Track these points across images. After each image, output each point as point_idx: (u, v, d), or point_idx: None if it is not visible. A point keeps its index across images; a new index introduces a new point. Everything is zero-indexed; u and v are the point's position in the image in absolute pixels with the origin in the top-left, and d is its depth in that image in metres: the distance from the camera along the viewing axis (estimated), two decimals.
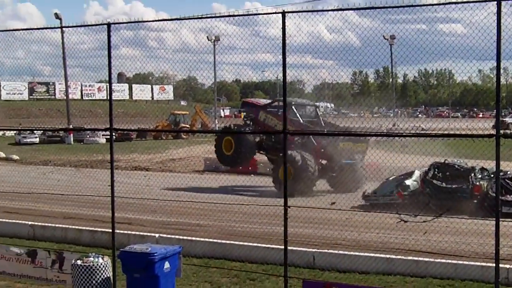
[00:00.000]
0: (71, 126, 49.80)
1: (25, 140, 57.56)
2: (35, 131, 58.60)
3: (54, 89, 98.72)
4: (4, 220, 19.01)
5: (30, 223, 18.38)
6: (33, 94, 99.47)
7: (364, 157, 26.79)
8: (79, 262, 11.94)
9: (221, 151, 28.79)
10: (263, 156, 29.92)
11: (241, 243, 15.42)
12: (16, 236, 17.63)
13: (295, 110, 27.92)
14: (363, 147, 26.89)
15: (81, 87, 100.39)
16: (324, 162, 27.65)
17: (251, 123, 29.27)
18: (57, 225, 18.25)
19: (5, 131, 50.58)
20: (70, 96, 57.10)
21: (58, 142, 57.53)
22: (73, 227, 18.02)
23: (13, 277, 13.36)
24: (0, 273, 13.47)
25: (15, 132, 56.74)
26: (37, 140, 58.61)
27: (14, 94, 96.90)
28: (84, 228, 17.82)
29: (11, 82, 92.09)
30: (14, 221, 18.92)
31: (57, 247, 15.96)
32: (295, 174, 25.12)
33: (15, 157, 44.98)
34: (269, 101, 31.09)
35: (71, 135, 56.26)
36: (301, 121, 27.67)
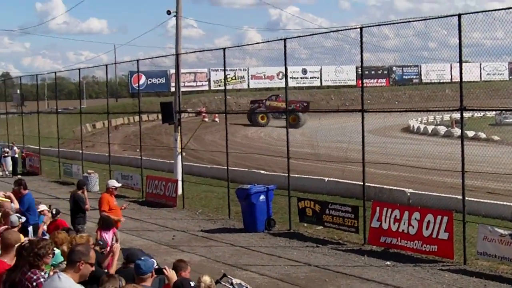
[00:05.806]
0: None
1: (506, 120, 56.78)
2: None
3: None
4: (487, 201, 19.36)
5: None
6: None
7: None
8: None
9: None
10: None
11: None
12: (500, 218, 17.82)
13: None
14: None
15: None
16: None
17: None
18: None
19: (485, 112, 50.55)
20: None
21: None
22: None
23: (494, 258, 13.39)
24: (481, 253, 13.62)
25: (495, 112, 56.33)
26: None
27: (494, 74, 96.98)
28: None
29: (492, 63, 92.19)
30: (496, 202, 19.13)
31: None
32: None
33: (496, 137, 44.80)
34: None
35: None
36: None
